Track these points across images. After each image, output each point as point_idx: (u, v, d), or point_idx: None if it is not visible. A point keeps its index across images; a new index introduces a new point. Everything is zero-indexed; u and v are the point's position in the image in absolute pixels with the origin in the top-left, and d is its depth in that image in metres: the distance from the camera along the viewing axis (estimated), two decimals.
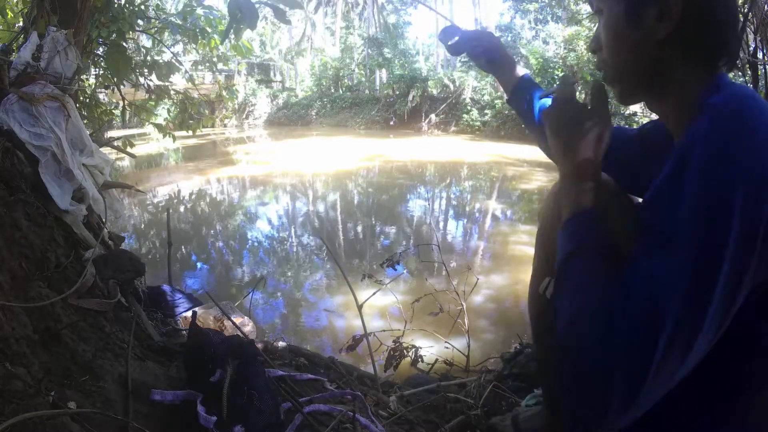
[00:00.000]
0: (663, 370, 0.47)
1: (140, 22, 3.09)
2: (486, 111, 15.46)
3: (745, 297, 0.49)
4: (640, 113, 11.41)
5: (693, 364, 0.49)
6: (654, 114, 0.71)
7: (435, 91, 17.23)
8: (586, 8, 14.07)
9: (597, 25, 0.69)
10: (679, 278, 0.47)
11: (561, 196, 0.67)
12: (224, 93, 10.52)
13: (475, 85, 16.59)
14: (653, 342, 0.47)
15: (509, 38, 22.38)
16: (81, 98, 2.75)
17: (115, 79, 2.82)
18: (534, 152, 11.22)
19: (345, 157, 10.70)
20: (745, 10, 1.80)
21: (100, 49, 2.74)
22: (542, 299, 0.83)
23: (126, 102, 3.30)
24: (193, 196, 7.05)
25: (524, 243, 4.34)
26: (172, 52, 3.57)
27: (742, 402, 0.57)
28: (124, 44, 2.77)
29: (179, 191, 7.29)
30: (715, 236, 0.47)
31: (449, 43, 1.07)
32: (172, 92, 3.68)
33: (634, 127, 0.91)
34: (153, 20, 3.39)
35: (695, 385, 0.54)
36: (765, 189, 0.47)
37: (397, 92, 17.81)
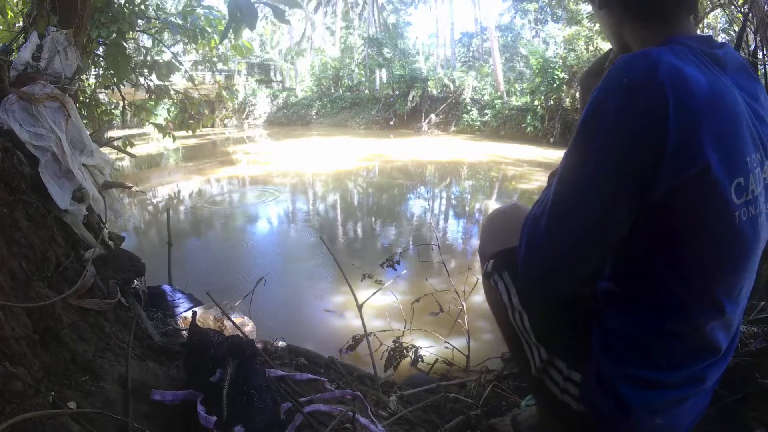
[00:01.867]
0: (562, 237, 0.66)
1: (140, 22, 3.09)
2: (486, 111, 15.46)
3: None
4: None
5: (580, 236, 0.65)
6: None
7: (435, 91, 17.23)
8: (586, 8, 14.07)
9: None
10: (562, 170, 0.68)
11: None
12: (224, 93, 10.55)
13: (475, 85, 16.59)
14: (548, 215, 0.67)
15: (509, 38, 22.40)
16: (81, 98, 2.75)
17: (115, 79, 2.82)
18: (533, 152, 11.22)
19: (345, 157, 10.70)
20: (745, 10, 1.80)
21: (100, 49, 2.74)
22: (487, 278, 0.94)
23: (126, 102, 3.30)
24: (193, 196, 7.05)
25: None
26: (172, 52, 3.57)
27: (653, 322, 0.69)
28: (124, 44, 2.77)
29: (179, 191, 7.29)
30: (584, 153, 0.64)
31: None
32: (172, 92, 3.68)
33: None
34: (153, 20, 3.39)
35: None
36: (622, 140, 0.60)
37: (397, 92, 17.80)
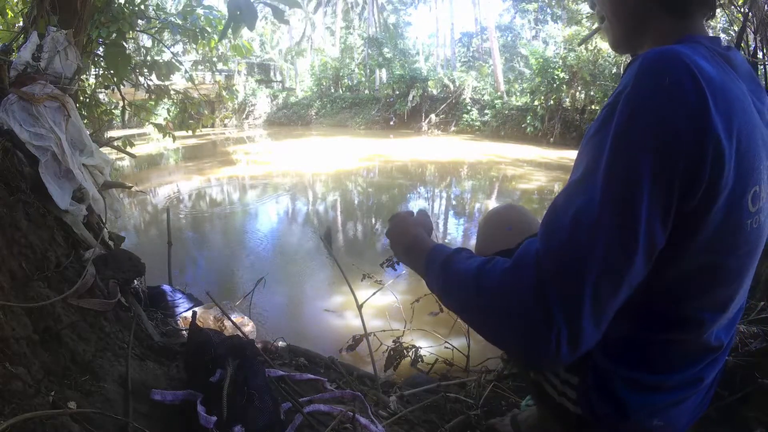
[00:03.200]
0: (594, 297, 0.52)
1: (140, 22, 3.09)
2: (486, 111, 15.46)
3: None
4: None
5: (624, 294, 0.54)
6: None
7: (435, 91, 17.23)
8: (585, 8, 14.06)
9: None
10: (596, 212, 0.53)
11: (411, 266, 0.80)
12: (224, 93, 10.54)
13: (475, 85, 16.59)
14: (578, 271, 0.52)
15: (509, 38, 22.41)
16: (81, 98, 2.75)
17: (115, 79, 2.82)
18: (533, 152, 11.23)
19: (345, 157, 10.70)
20: (745, 10, 1.80)
21: (100, 49, 2.74)
22: None
23: (126, 102, 3.30)
24: (193, 196, 7.05)
25: None
26: (172, 52, 3.56)
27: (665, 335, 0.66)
28: (124, 44, 2.77)
29: (179, 191, 7.28)
30: (627, 191, 0.52)
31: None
32: (172, 92, 3.68)
33: None
34: (153, 20, 3.39)
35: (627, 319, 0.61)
36: (672, 152, 0.52)
37: (397, 92, 17.80)
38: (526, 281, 0.54)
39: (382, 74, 20.39)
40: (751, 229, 0.61)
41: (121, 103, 3.35)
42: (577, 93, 13.13)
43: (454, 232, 5.36)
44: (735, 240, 0.60)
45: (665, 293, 0.63)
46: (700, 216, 0.55)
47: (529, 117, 13.62)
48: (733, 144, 0.54)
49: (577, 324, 0.52)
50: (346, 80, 22.72)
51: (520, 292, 0.54)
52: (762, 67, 1.94)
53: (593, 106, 12.73)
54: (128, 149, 3.02)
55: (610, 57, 12.30)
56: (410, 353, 1.85)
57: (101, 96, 3.39)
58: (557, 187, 7.33)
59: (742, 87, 0.61)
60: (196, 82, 4.42)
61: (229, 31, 1.84)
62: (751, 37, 1.91)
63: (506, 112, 14.75)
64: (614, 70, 12.42)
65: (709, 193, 0.54)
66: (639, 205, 0.51)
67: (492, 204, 6.50)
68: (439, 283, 0.68)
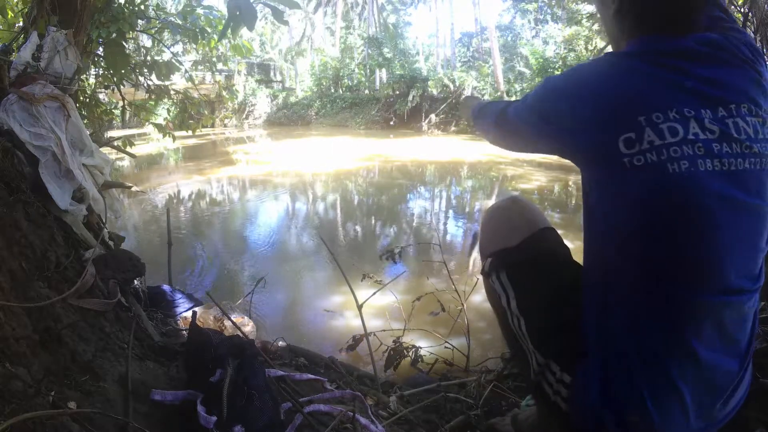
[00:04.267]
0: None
1: (140, 22, 3.09)
2: None
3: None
4: None
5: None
6: None
7: (435, 91, 17.22)
8: (585, 8, 14.08)
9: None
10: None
11: (466, 115, 1.19)
12: (224, 93, 10.54)
13: (475, 85, 16.59)
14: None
15: (509, 38, 22.41)
16: (81, 98, 2.75)
17: (115, 79, 2.82)
18: (533, 153, 11.22)
19: (345, 157, 10.69)
20: (745, 10, 1.80)
21: (100, 49, 2.74)
22: (486, 277, 0.96)
23: (126, 102, 3.30)
24: (193, 196, 7.04)
25: None
26: (172, 52, 3.56)
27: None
28: (124, 44, 2.77)
29: (179, 191, 7.28)
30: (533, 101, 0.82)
31: None
32: (172, 92, 3.67)
33: None
34: (153, 20, 3.39)
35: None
36: (553, 99, 0.78)
37: (397, 92, 17.80)
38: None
39: (382, 74, 20.38)
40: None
41: (121, 103, 3.35)
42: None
43: (455, 232, 5.36)
44: None
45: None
46: None
47: None
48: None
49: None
50: (346, 80, 22.72)
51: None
52: None
53: None
54: (128, 149, 3.02)
55: None
56: (410, 353, 1.85)
57: (101, 96, 3.39)
58: (557, 187, 7.33)
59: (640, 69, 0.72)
60: (196, 82, 4.42)
61: (229, 31, 1.83)
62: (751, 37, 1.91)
63: None
64: None
65: None
66: None
67: (492, 203, 6.49)
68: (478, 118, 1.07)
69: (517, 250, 0.88)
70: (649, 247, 0.68)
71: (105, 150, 2.05)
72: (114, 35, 2.65)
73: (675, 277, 0.68)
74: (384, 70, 20.04)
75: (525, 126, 0.85)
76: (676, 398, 0.70)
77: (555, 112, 0.77)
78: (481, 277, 0.98)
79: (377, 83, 20.69)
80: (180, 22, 3.32)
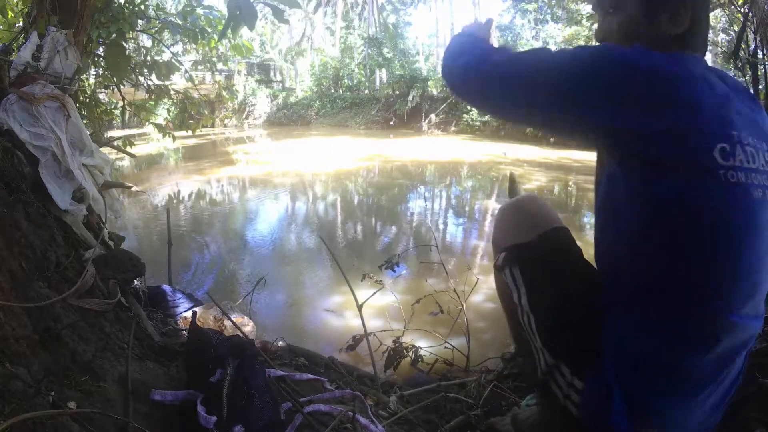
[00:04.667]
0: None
1: (140, 22, 3.09)
2: None
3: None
4: None
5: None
6: None
7: (435, 91, 17.21)
8: (585, 8, 14.06)
9: (602, 20, 0.86)
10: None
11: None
12: (224, 93, 10.54)
13: None
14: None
15: (509, 38, 22.38)
16: (81, 98, 2.75)
17: (115, 79, 2.82)
18: (533, 152, 11.21)
19: (345, 157, 10.69)
20: (745, 10, 1.80)
21: (100, 49, 2.74)
22: (498, 271, 0.96)
23: (126, 102, 3.30)
24: (193, 196, 7.04)
25: None
26: (172, 52, 3.56)
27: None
28: (124, 44, 2.77)
29: (179, 191, 7.28)
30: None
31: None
32: (172, 92, 3.67)
33: None
34: (153, 20, 3.39)
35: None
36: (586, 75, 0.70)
37: (397, 92, 17.79)
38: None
39: (382, 74, 20.37)
40: None
41: (121, 103, 3.35)
42: None
43: (455, 232, 5.36)
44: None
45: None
46: None
47: None
48: None
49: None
50: (346, 80, 22.70)
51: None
52: (762, 67, 1.94)
53: None
54: (128, 149, 3.02)
55: None
56: (410, 353, 1.85)
57: (101, 96, 3.39)
58: (557, 187, 7.33)
59: None
60: (196, 82, 4.42)
61: (229, 30, 1.83)
62: (751, 37, 1.91)
63: None
64: None
65: None
66: None
67: (492, 204, 6.50)
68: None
69: (531, 245, 0.88)
70: (708, 262, 0.68)
71: (105, 150, 2.05)
72: (114, 35, 2.65)
73: (721, 296, 0.69)
74: (384, 70, 20.03)
75: (554, 90, 0.72)
76: (690, 413, 0.72)
77: (631, 98, 0.67)
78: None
79: (377, 83, 20.67)
80: (180, 22, 3.32)
